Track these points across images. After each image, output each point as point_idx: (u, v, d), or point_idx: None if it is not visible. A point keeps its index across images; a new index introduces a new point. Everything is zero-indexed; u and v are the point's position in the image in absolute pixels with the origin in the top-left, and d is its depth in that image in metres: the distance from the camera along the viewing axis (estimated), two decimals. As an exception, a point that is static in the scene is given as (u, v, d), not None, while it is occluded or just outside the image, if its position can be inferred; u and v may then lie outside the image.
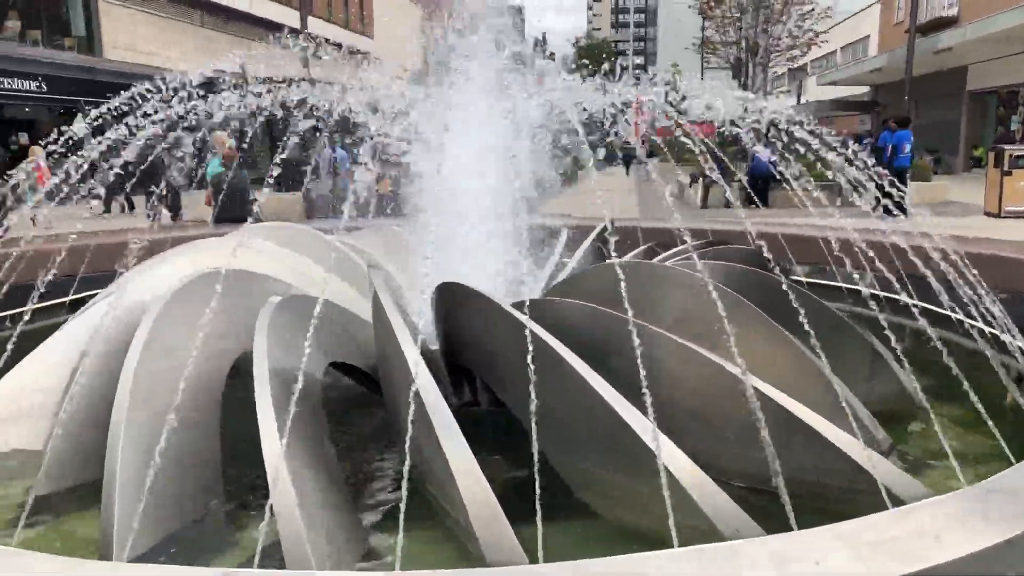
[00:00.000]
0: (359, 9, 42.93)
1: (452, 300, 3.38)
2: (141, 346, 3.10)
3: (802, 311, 3.70)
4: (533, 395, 2.86)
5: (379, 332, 3.11)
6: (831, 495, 3.06)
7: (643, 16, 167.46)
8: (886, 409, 4.03)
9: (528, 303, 3.52)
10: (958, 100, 29.41)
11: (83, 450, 3.16)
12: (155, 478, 2.79)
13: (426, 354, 3.71)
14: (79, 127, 4.76)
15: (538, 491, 2.59)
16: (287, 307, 3.38)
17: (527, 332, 3.01)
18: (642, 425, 2.79)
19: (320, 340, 3.35)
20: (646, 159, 4.72)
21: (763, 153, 18.98)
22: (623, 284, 3.07)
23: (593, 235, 5.35)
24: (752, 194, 18.37)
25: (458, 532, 2.72)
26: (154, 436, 2.97)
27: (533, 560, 2.49)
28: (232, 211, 8.22)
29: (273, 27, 30.09)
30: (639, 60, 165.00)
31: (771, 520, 2.68)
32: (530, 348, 2.92)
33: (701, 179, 17.21)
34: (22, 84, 20.34)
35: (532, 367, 3.17)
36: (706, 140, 4.84)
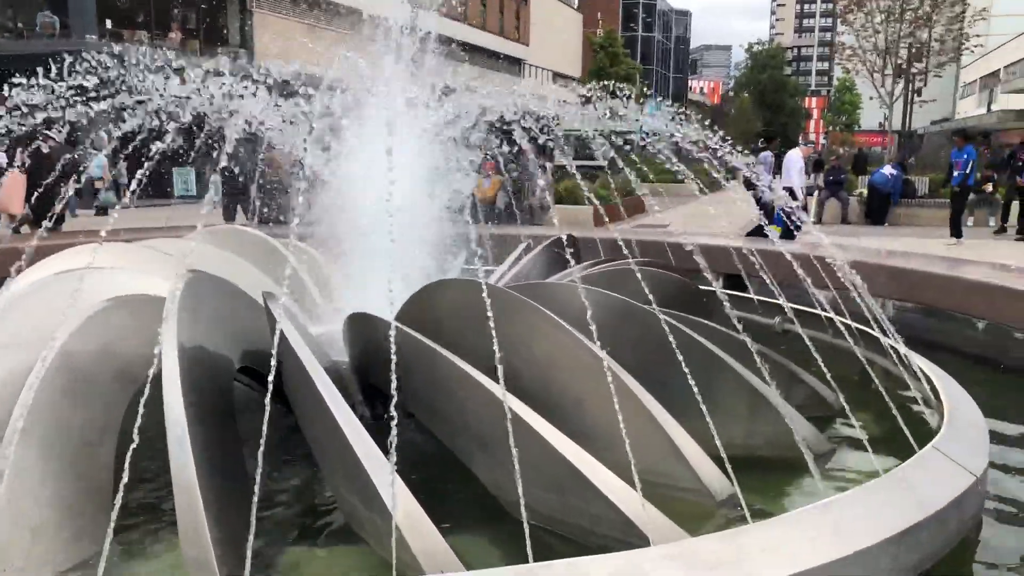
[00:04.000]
0: (515, 16, 43.61)
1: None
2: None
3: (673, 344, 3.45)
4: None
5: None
6: (614, 547, 2.82)
7: (829, 20, 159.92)
8: (776, 456, 3.67)
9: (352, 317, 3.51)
10: None
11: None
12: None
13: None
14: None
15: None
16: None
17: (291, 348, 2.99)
18: (369, 456, 2.67)
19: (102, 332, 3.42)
20: None
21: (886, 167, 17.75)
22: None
23: (542, 247, 5.18)
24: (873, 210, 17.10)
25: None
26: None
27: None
28: None
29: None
30: (823, 66, 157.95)
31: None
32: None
33: (817, 192, 16.22)
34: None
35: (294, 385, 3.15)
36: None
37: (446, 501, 3.38)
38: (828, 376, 3.91)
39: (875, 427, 4.09)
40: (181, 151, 4.27)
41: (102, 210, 16.09)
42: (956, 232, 14.36)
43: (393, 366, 2.51)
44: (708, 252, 6.09)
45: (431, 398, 3.31)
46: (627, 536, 2.75)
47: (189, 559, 2.55)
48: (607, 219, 10.04)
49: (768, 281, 5.21)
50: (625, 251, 4.53)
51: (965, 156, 14.38)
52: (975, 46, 31.58)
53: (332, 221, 5.23)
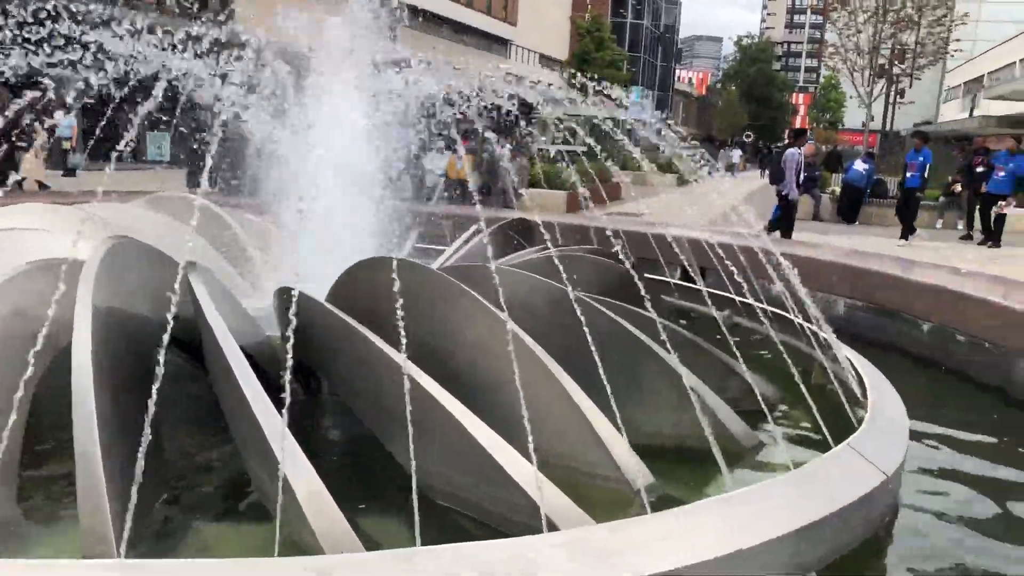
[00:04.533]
0: (504, -5, 43.29)
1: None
2: None
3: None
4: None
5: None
6: (516, 532, 2.80)
7: (819, 17, 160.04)
8: (706, 447, 3.66)
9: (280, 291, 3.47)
10: None
11: None
12: None
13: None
14: None
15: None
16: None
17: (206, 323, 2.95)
18: (273, 431, 2.63)
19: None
20: None
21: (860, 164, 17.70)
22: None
23: (491, 230, 5.14)
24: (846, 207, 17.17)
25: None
26: None
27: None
28: None
29: (416, 12, 30.52)
30: (812, 62, 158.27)
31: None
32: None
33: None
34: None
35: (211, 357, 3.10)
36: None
37: (367, 481, 3.36)
38: (743, 369, 3.91)
39: (805, 422, 4.11)
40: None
41: (70, 171, 15.86)
42: (908, 230, 14.54)
43: (291, 339, 2.46)
44: (661, 242, 6.11)
45: (351, 376, 3.28)
46: (534, 522, 2.74)
47: (87, 530, 2.49)
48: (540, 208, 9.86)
49: (693, 272, 5.22)
50: (547, 237, 4.49)
51: (921, 159, 14.46)
52: (955, 51, 31.74)
53: (286, 194, 5.18)
